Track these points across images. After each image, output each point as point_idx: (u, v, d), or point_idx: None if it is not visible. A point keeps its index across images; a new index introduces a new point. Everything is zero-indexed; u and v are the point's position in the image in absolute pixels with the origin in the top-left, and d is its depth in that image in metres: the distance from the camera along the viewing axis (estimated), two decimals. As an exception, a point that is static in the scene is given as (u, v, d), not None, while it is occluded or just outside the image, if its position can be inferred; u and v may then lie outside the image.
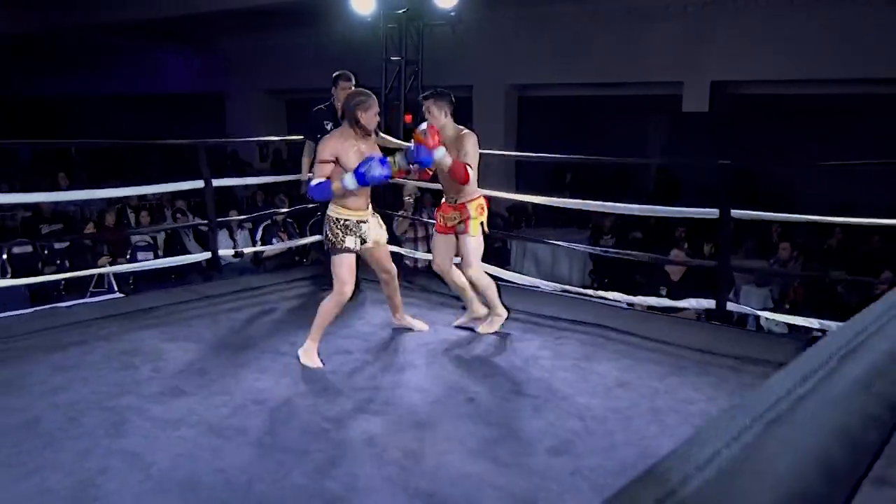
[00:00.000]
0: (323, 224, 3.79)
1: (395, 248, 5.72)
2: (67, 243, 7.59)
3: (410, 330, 4.16)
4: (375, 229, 3.76)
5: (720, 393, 3.32)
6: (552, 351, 3.89)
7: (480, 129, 12.12)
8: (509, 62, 11.50)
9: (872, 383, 0.49)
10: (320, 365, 3.59)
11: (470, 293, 4.14)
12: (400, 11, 7.63)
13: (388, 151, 3.84)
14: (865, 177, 8.60)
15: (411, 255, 6.09)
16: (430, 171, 3.99)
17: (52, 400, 3.10)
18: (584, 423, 2.99)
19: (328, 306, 3.67)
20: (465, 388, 3.38)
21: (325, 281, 3.70)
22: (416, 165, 3.81)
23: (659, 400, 3.24)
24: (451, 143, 3.82)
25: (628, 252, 5.78)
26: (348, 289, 3.64)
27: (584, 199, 5.18)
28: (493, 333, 4.11)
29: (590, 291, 5.09)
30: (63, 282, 6.47)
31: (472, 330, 4.15)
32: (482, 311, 4.16)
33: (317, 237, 5.77)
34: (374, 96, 3.63)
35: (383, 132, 4.45)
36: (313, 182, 3.57)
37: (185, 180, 5.43)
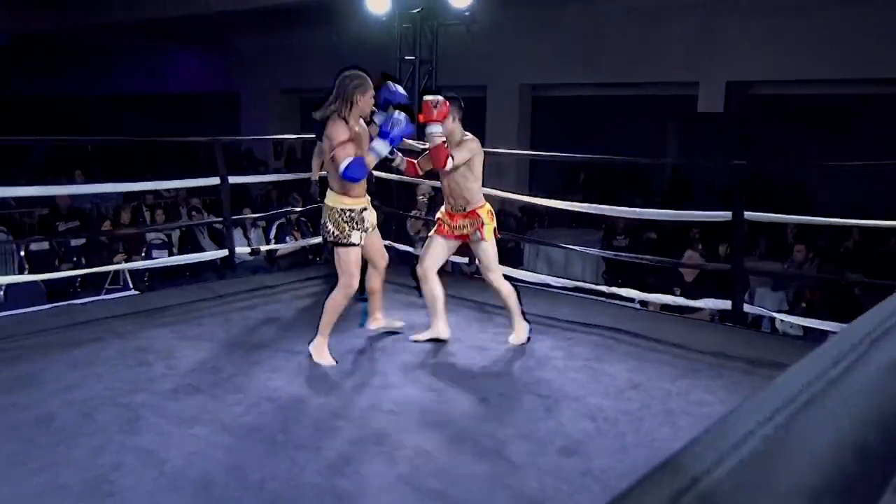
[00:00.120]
0: (324, 215, 3.63)
1: (409, 248, 5.73)
2: (83, 240, 7.66)
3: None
4: (371, 213, 3.71)
5: (733, 395, 3.30)
6: (564, 352, 3.88)
7: (494, 130, 12.14)
8: (523, 62, 11.47)
9: None
10: (333, 362, 3.60)
11: (440, 309, 3.94)
12: (414, 11, 7.65)
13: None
14: (883, 178, 8.51)
15: None
16: (420, 167, 3.92)
17: (67, 396, 3.13)
18: (596, 424, 2.98)
19: (336, 300, 3.62)
20: (477, 387, 3.38)
21: (337, 280, 3.66)
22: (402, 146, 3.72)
23: (671, 402, 3.22)
24: (453, 148, 3.76)
25: (640, 256, 5.75)
26: (356, 282, 3.61)
27: (597, 199, 5.17)
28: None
29: (602, 288, 5.06)
30: (79, 279, 6.53)
31: (438, 341, 3.96)
32: (445, 332, 3.95)
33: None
34: (370, 80, 3.55)
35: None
36: (343, 165, 3.38)
37: (201, 177, 5.47)
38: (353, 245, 3.58)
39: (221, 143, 5.33)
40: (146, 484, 2.43)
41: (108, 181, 7.67)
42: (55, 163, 12.57)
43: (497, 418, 3.03)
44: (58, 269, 6.98)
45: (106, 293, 6.43)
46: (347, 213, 3.56)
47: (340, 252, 3.59)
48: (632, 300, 5.26)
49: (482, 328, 4.31)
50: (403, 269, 4.67)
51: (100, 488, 2.39)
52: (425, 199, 6.13)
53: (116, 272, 6.84)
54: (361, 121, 3.58)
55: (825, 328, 4.09)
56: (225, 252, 5.39)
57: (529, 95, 12.19)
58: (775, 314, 4.80)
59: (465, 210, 3.89)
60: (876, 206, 7.83)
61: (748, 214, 4.23)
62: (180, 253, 7.68)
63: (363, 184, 3.60)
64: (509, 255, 7.66)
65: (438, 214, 4.06)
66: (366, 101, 3.51)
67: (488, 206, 3.96)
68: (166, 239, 7.99)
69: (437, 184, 5.93)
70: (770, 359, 3.72)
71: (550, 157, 6.70)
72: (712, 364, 3.71)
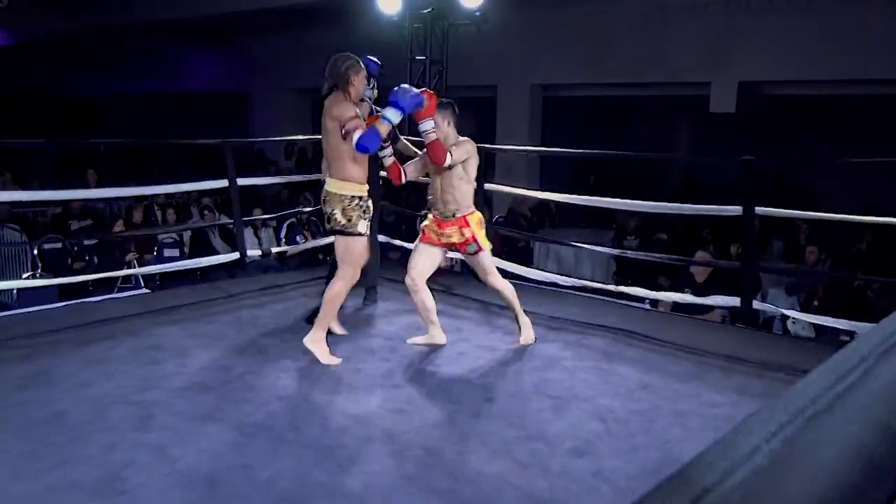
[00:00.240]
0: (329, 203, 3.54)
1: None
2: (96, 240, 7.72)
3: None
4: (370, 202, 3.67)
5: (744, 397, 3.28)
6: (574, 352, 3.88)
7: (504, 130, 12.11)
8: (534, 62, 11.46)
9: None
10: (337, 361, 3.60)
11: (434, 317, 3.91)
12: (425, 11, 7.66)
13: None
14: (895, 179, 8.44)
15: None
16: (406, 173, 3.84)
17: (80, 394, 3.16)
18: (606, 424, 2.98)
19: (337, 292, 3.56)
20: (487, 387, 3.38)
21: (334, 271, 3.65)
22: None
23: (681, 403, 3.21)
24: (449, 150, 3.71)
25: (650, 254, 5.74)
26: (358, 273, 3.59)
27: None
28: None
29: (611, 287, 5.05)
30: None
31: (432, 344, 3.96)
32: (441, 338, 3.94)
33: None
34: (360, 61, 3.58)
35: (405, 135, 4.41)
36: (356, 136, 3.37)
37: (210, 178, 5.50)
38: (361, 235, 3.55)
39: (231, 145, 5.34)
40: (158, 481, 2.45)
41: (120, 180, 7.74)
42: (68, 161, 12.67)
43: (506, 418, 3.03)
44: (70, 268, 7.04)
45: (118, 292, 6.48)
46: (356, 201, 3.52)
47: (348, 241, 3.54)
48: (642, 300, 5.24)
49: (491, 328, 4.31)
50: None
51: (112, 485, 2.41)
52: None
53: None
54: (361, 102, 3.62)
55: (836, 326, 4.06)
56: (236, 255, 5.41)
57: (540, 95, 12.18)
58: (786, 311, 4.77)
59: (454, 216, 3.79)
60: (888, 208, 7.75)
61: (759, 210, 4.20)
62: (191, 251, 7.73)
63: (365, 169, 3.56)
64: (519, 255, 7.66)
65: (425, 223, 3.96)
66: (360, 81, 3.55)
67: (479, 213, 3.88)
68: (178, 238, 8.04)
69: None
70: (781, 361, 3.70)
71: (558, 153, 6.72)
72: (723, 365, 3.70)
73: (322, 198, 3.62)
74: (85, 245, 7.56)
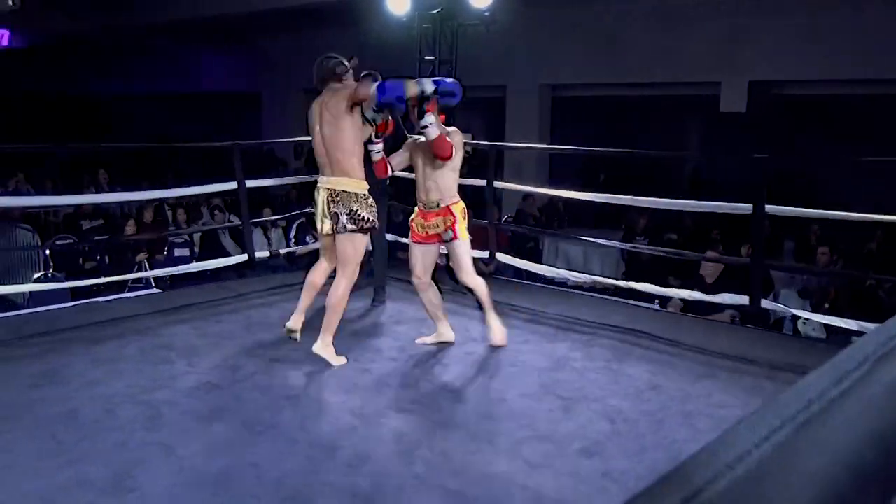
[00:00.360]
0: (341, 203, 3.48)
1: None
2: (107, 237, 7.78)
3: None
4: None
5: (754, 398, 3.26)
6: (583, 352, 3.87)
7: (513, 130, 12.07)
8: (543, 62, 11.43)
9: None
10: (343, 361, 3.60)
11: (441, 313, 3.92)
12: (434, 11, 7.66)
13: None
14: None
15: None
16: (392, 166, 3.83)
17: (90, 392, 3.18)
18: (615, 425, 2.97)
19: (341, 295, 3.54)
20: (495, 387, 3.38)
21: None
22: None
23: (691, 404, 3.20)
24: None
25: (660, 249, 5.71)
26: (358, 269, 3.59)
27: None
28: (504, 336, 3.92)
29: (621, 283, 5.02)
30: (102, 276, 6.63)
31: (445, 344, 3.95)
32: (450, 335, 3.94)
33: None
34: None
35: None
36: (374, 86, 3.39)
37: (220, 178, 5.52)
38: (368, 231, 3.56)
39: (240, 147, 5.35)
40: (167, 479, 2.46)
41: (131, 180, 7.78)
42: (80, 162, 12.76)
43: (515, 419, 3.02)
44: (82, 267, 7.09)
45: (129, 291, 6.52)
46: (370, 199, 3.53)
47: (355, 240, 3.51)
48: (651, 300, 5.22)
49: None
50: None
51: (122, 483, 2.42)
52: None
53: (139, 270, 6.96)
54: None
55: (848, 327, 4.02)
56: (245, 257, 5.43)
57: (549, 96, 12.15)
58: (796, 311, 4.73)
59: (438, 206, 3.78)
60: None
61: (769, 208, 4.17)
62: (201, 250, 7.78)
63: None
64: (528, 254, 7.65)
65: (412, 217, 3.95)
66: (350, 77, 3.58)
67: (462, 203, 3.85)
68: (188, 238, 8.09)
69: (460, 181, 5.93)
70: (792, 361, 3.68)
71: (568, 151, 6.71)
72: (733, 366, 3.68)
73: (327, 198, 3.52)
74: (96, 245, 7.62)
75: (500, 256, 5.46)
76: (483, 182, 5.33)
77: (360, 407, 3.10)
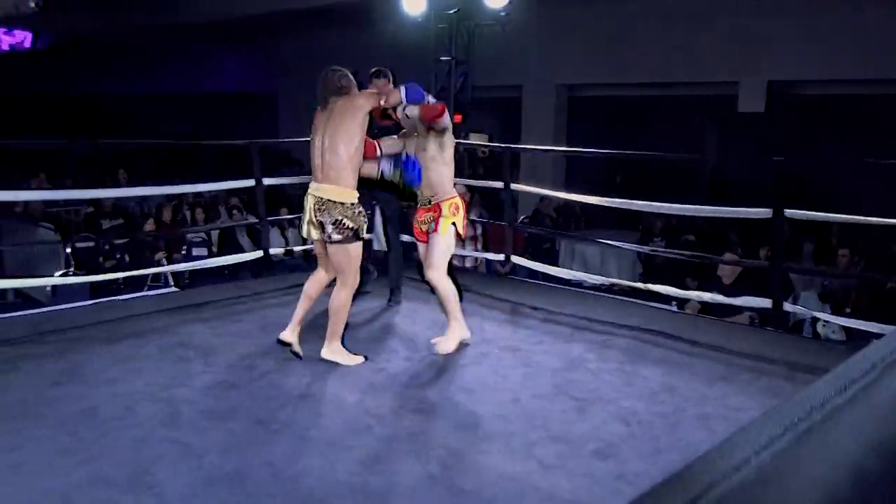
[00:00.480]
0: (327, 212, 3.45)
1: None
2: (127, 238, 7.87)
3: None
4: None
5: (773, 400, 3.23)
6: (598, 353, 3.86)
7: (529, 130, 12.02)
8: (559, 62, 11.40)
9: None
10: (360, 360, 3.62)
11: (454, 308, 3.77)
12: (450, 12, 7.67)
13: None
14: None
15: (471, 255, 6.11)
16: (381, 147, 3.74)
17: (110, 390, 3.22)
18: (630, 427, 2.96)
19: (343, 301, 3.55)
20: (509, 388, 3.38)
21: (367, 275, 3.65)
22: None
23: (707, 406, 3.18)
24: (424, 134, 3.70)
25: (677, 251, 5.67)
26: (359, 275, 3.60)
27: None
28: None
29: (639, 285, 4.99)
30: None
31: (463, 343, 3.89)
32: (465, 334, 3.86)
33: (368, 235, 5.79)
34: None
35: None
36: (401, 89, 3.55)
37: (238, 178, 5.57)
38: (362, 239, 3.56)
39: (257, 146, 5.40)
40: (184, 476, 2.49)
41: (150, 179, 7.86)
42: (99, 160, 12.92)
43: (529, 419, 3.02)
44: (102, 266, 7.18)
45: (148, 290, 6.60)
46: (358, 208, 3.50)
47: (349, 249, 3.50)
48: (668, 301, 5.19)
49: (515, 329, 4.30)
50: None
51: (141, 480, 2.45)
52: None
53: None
54: None
55: (868, 329, 3.98)
56: (260, 254, 5.48)
57: (565, 96, 12.11)
58: (817, 313, 4.69)
59: (429, 203, 3.74)
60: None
61: (789, 212, 4.14)
62: (219, 250, 7.85)
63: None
64: (545, 256, 7.64)
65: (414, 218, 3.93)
66: (354, 89, 3.62)
67: (457, 200, 3.76)
68: (206, 237, 8.16)
69: (471, 182, 5.92)
70: (811, 363, 3.64)
71: (585, 154, 6.68)
72: (751, 368, 3.65)
73: (315, 206, 3.48)
74: (116, 244, 7.71)
75: (515, 259, 5.46)
76: (500, 184, 5.32)
77: (374, 406, 3.12)
